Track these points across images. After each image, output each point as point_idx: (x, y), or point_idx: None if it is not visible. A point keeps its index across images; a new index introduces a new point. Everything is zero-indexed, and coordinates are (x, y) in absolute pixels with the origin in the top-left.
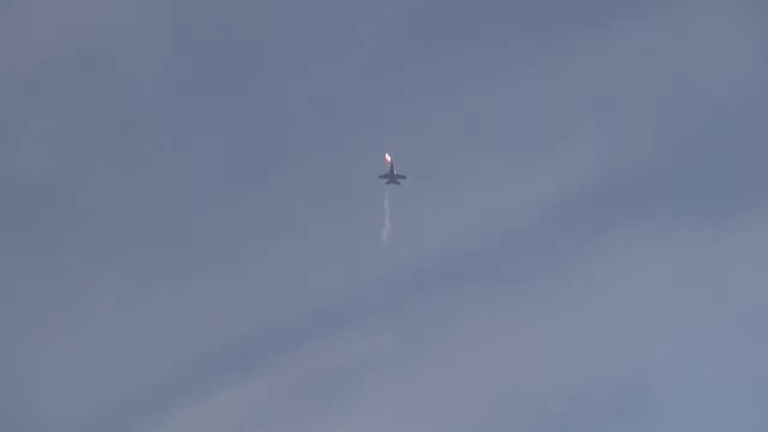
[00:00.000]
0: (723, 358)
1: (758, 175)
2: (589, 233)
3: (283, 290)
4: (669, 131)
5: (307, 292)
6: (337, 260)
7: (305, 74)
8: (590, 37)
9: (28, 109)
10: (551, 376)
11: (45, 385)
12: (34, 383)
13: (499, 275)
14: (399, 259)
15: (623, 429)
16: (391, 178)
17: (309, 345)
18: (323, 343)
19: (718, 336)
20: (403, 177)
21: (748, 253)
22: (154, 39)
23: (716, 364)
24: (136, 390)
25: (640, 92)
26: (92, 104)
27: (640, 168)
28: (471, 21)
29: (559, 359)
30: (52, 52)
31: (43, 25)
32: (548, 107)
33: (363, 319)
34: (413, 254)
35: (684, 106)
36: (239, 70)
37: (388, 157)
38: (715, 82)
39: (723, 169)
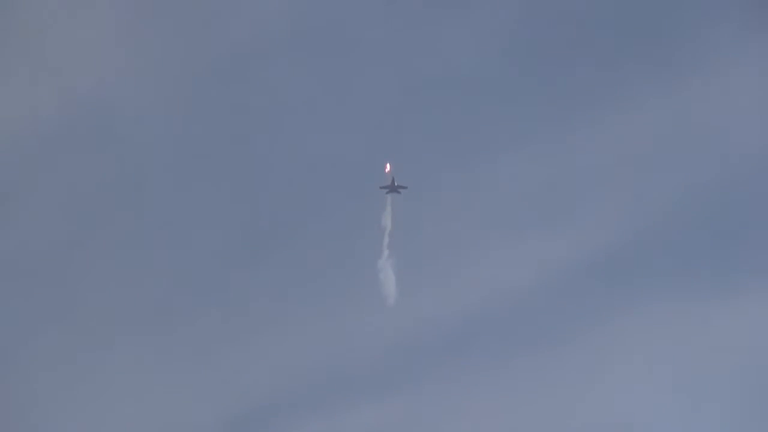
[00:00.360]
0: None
1: (764, 241)
2: (597, 303)
3: (288, 362)
4: (672, 199)
5: (312, 364)
6: (341, 329)
7: (307, 144)
8: (590, 110)
9: (25, 185)
10: None
11: None
12: None
13: (503, 346)
14: (404, 328)
15: None
16: (392, 188)
17: (315, 416)
18: (330, 414)
19: (727, 405)
20: (404, 187)
21: (758, 320)
22: (153, 116)
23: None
24: None
25: (642, 163)
26: (91, 179)
27: (643, 238)
28: (470, 94)
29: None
30: (52, 123)
31: (43, 96)
32: (551, 178)
33: (368, 388)
34: (418, 324)
35: (686, 175)
36: (240, 140)
37: (387, 167)
38: (716, 152)
39: (728, 236)
